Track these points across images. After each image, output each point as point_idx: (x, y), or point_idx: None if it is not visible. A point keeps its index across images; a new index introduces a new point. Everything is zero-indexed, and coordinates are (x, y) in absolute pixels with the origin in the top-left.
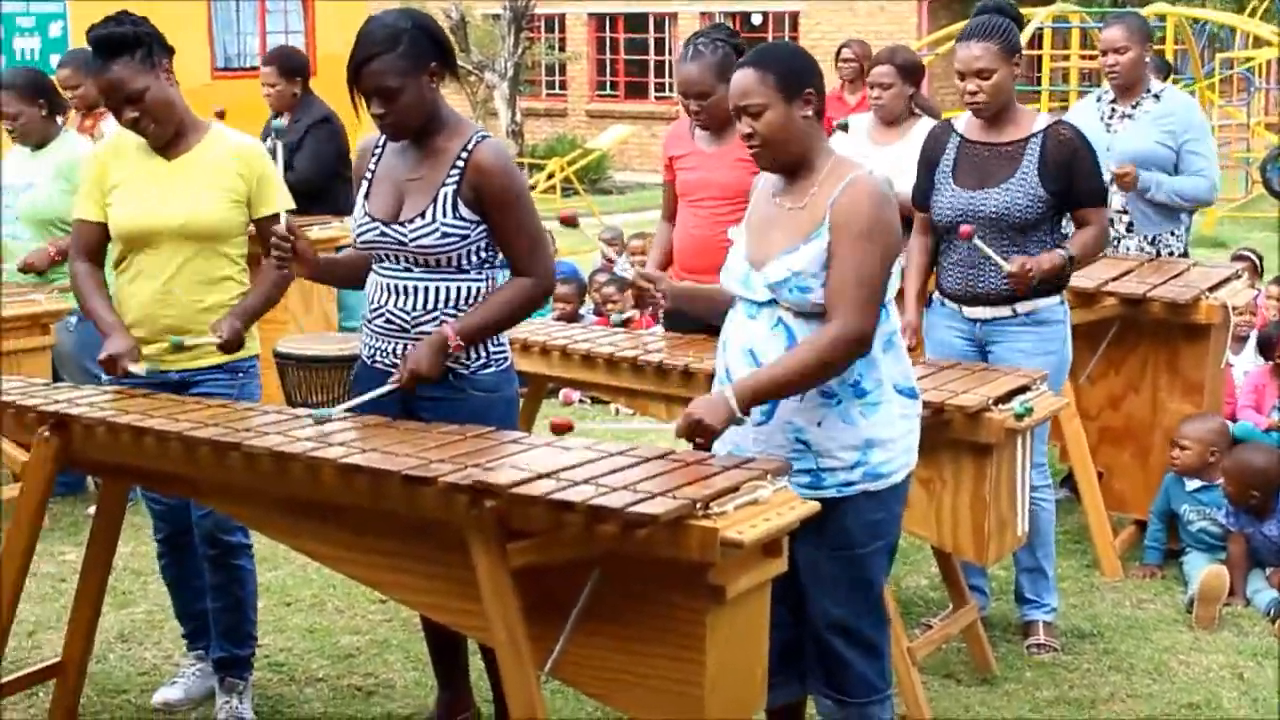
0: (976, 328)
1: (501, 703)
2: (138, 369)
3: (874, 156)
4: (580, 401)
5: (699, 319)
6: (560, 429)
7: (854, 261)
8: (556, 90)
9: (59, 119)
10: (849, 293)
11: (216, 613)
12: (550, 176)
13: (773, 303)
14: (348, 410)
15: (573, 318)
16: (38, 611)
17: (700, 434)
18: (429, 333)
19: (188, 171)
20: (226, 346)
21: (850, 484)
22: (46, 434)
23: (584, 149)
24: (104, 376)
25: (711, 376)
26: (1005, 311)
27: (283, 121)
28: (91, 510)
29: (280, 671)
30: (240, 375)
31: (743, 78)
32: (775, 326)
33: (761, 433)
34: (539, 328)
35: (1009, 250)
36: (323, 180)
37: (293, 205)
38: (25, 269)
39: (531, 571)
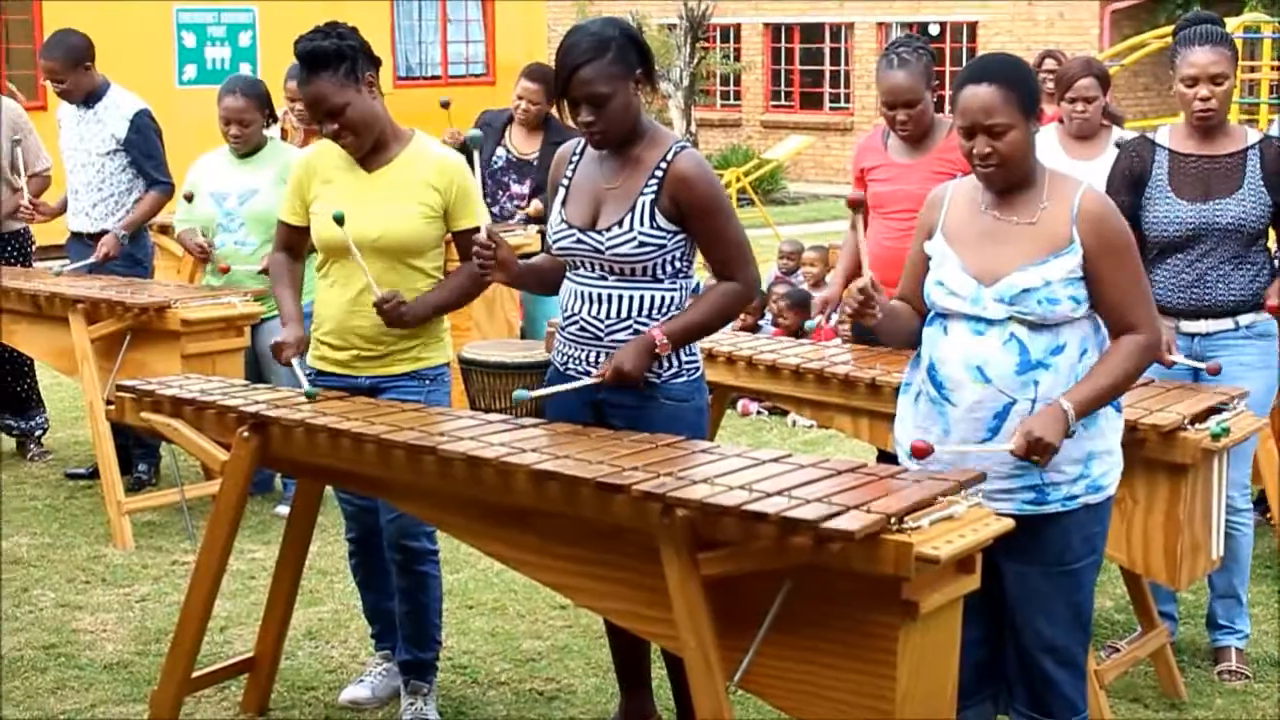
0: (1194, 343)
1: (685, 711)
2: (298, 365)
3: (1076, 171)
4: (758, 413)
5: (886, 339)
6: (922, 453)
7: (1127, 273)
8: (731, 100)
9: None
10: (1142, 302)
11: (402, 617)
12: (725, 187)
13: (1007, 319)
14: (543, 396)
15: (753, 329)
16: (229, 607)
17: (1040, 451)
18: (622, 341)
19: (385, 185)
20: (388, 314)
21: (1073, 497)
22: (246, 434)
23: (759, 160)
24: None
25: (898, 390)
26: (1228, 324)
27: (478, 132)
28: (280, 509)
29: (463, 674)
30: (429, 383)
31: (984, 95)
32: (1008, 342)
33: (984, 448)
34: (724, 337)
35: (1235, 263)
36: None
37: (488, 219)
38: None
39: (722, 581)
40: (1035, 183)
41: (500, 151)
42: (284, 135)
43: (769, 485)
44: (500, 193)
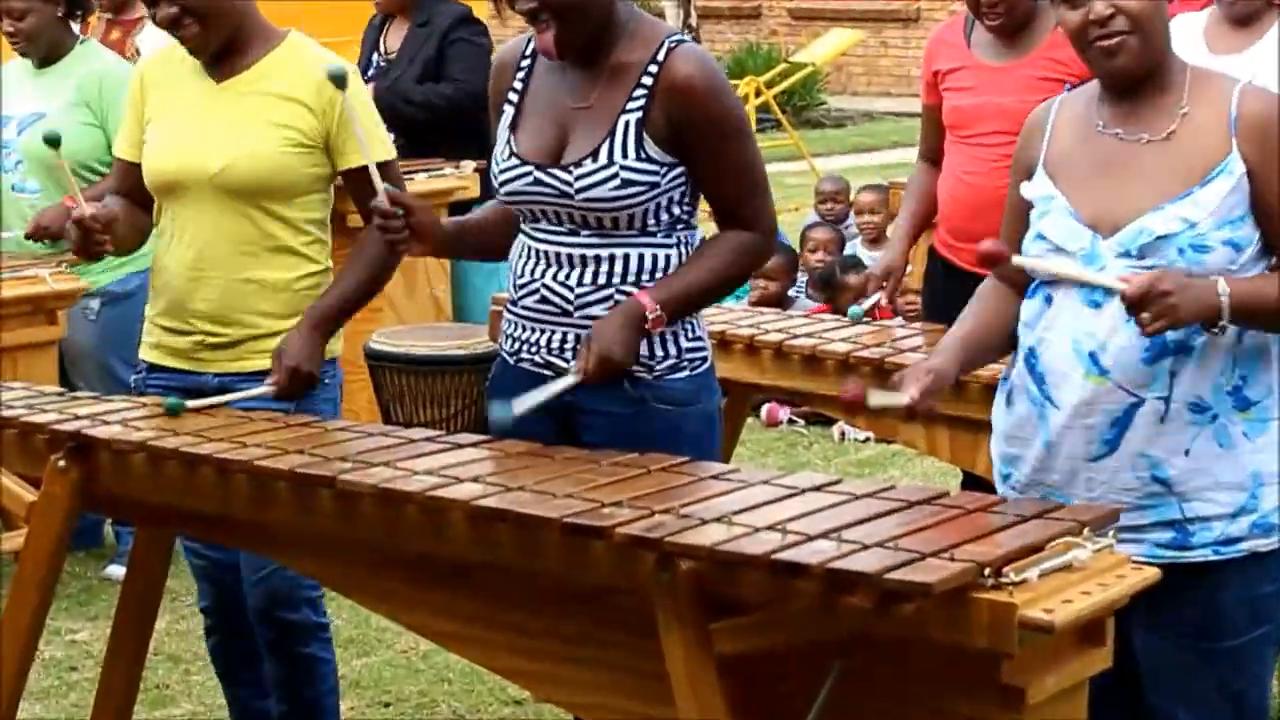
0: None
1: None
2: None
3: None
4: (790, 422)
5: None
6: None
7: None
8: None
9: (75, 25)
10: None
11: (290, 716)
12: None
13: None
14: (530, 410)
15: (779, 300)
16: (40, 712)
17: (1162, 310)
18: (598, 317)
19: (237, 99)
20: (287, 391)
21: (1232, 541)
22: (63, 463)
23: (787, 63)
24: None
25: (993, 387)
26: None
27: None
28: (111, 570)
29: None
30: None
31: None
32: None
33: (1100, 470)
34: (742, 314)
35: None
36: (483, 98)
37: (392, 153)
38: (35, 234)
39: (745, 662)
40: (1171, 82)
41: (375, 58)
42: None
43: (809, 524)
44: None
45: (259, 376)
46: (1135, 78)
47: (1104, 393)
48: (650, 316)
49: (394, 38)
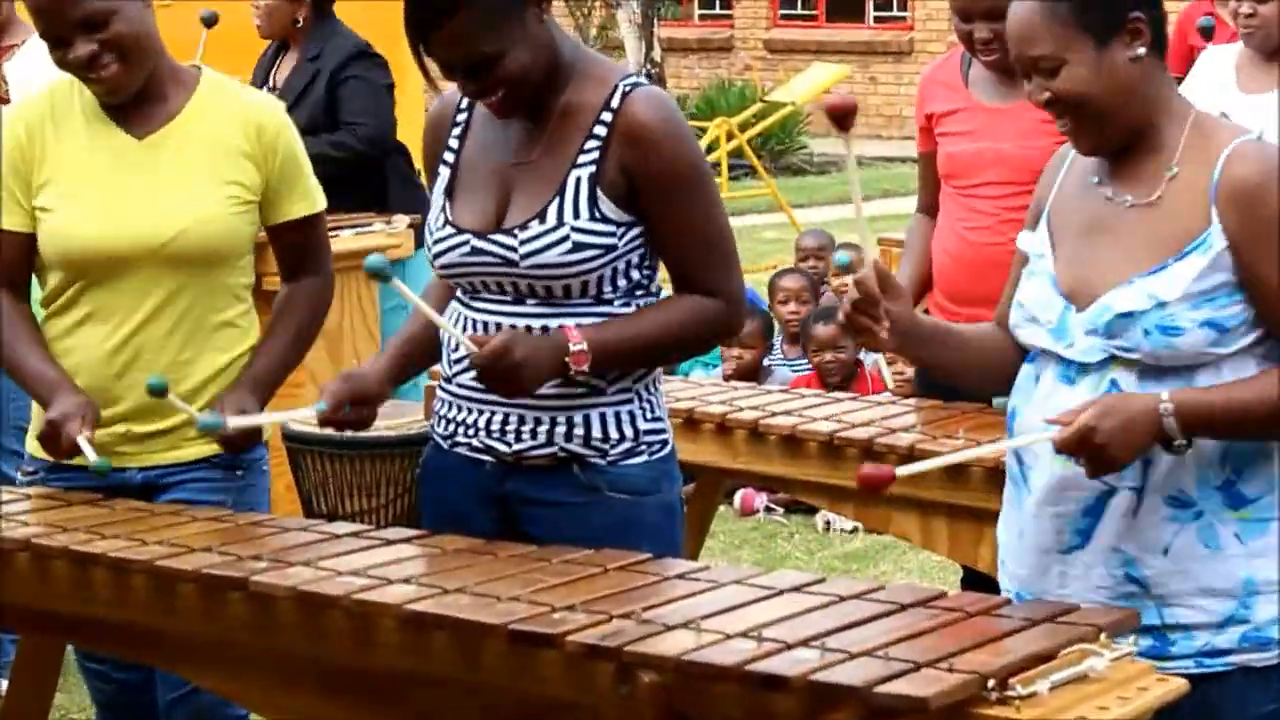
0: None
1: None
2: (90, 453)
3: (1245, 112)
4: (768, 510)
5: (947, 379)
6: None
7: None
8: (717, 9)
9: None
10: None
11: None
12: (711, 148)
13: (1107, 360)
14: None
15: (754, 372)
16: None
17: (1097, 461)
18: (547, 397)
19: (174, 155)
20: (233, 444)
21: (1219, 654)
22: None
23: (764, 102)
24: (23, 469)
25: (997, 473)
26: None
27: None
28: None
29: None
30: (239, 474)
31: (1022, 15)
32: (1108, 394)
33: (1072, 564)
34: (712, 390)
35: None
36: (385, 144)
37: (324, 203)
38: None
39: None
40: (1164, 138)
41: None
42: None
43: (788, 630)
44: None
45: (192, 466)
46: (1104, 151)
47: (1074, 478)
48: (573, 349)
49: (285, 70)
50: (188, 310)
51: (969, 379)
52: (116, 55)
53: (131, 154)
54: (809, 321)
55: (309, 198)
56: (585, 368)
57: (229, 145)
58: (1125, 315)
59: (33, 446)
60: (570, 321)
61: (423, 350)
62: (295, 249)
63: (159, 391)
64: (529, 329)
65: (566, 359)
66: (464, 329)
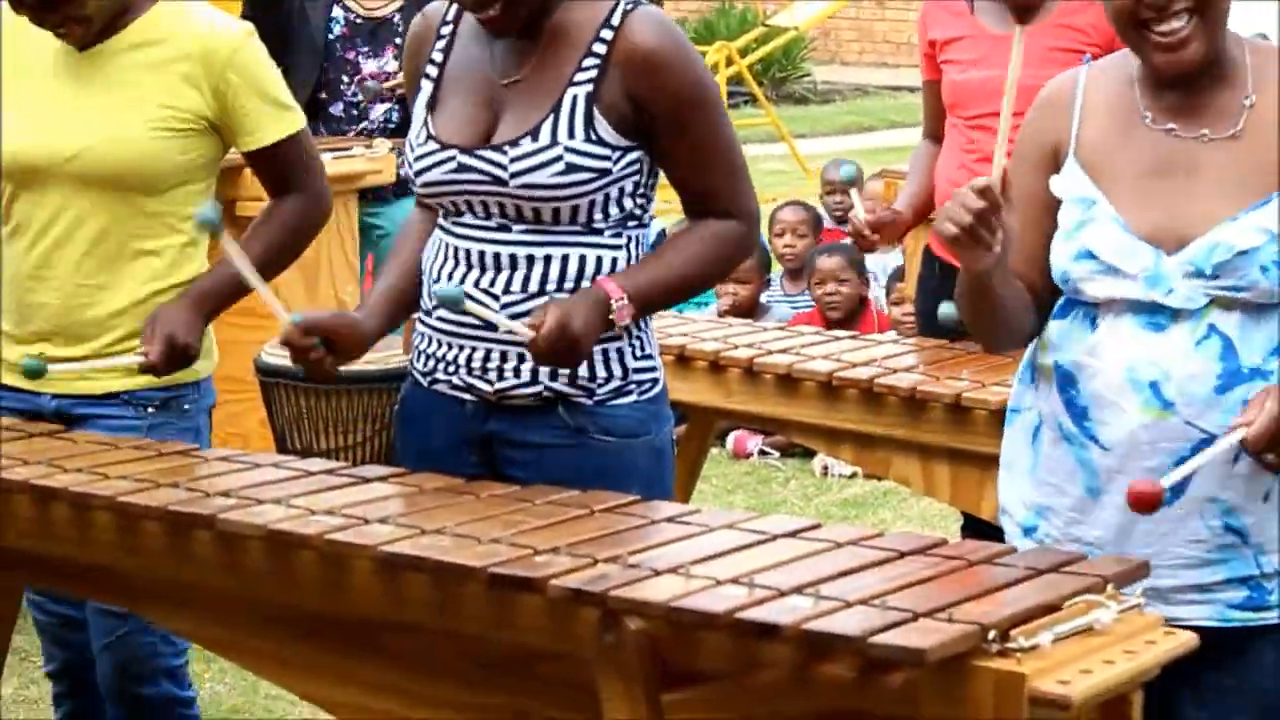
0: None
1: None
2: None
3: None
4: (763, 453)
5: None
6: (1148, 501)
7: None
8: None
9: None
10: None
11: None
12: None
13: (1205, 304)
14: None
15: (750, 309)
16: None
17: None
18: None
19: (104, 69)
20: (155, 368)
21: None
22: None
23: (765, 27)
24: None
25: (1001, 414)
26: None
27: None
28: None
29: None
30: (152, 411)
31: None
32: (1206, 339)
33: (1162, 520)
34: (706, 327)
35: None
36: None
37: (300, 123)
38: None
39: None
40: (1231, 66)
41: (337, 12)
42: None
43: (782, 577)
44: (344, 78)
45: (103, 400)
46: (1199, 72)
47: (1167, 428)
48: (615, 305)
49: None
50: (103, 233)
51: (997, 330)
52: (83, 26)
53: (71, 63)
54: (814, 253)
55: (280, 121)
56: (629, 321)
57: (170, 68)
58: (1242, 254)
59: None
60: (558, 251)
61: (405, 303)
62: (273, 173)
63: (34, 374)
64: (514, 259)
65: (611, 315)
66: (444, 260)
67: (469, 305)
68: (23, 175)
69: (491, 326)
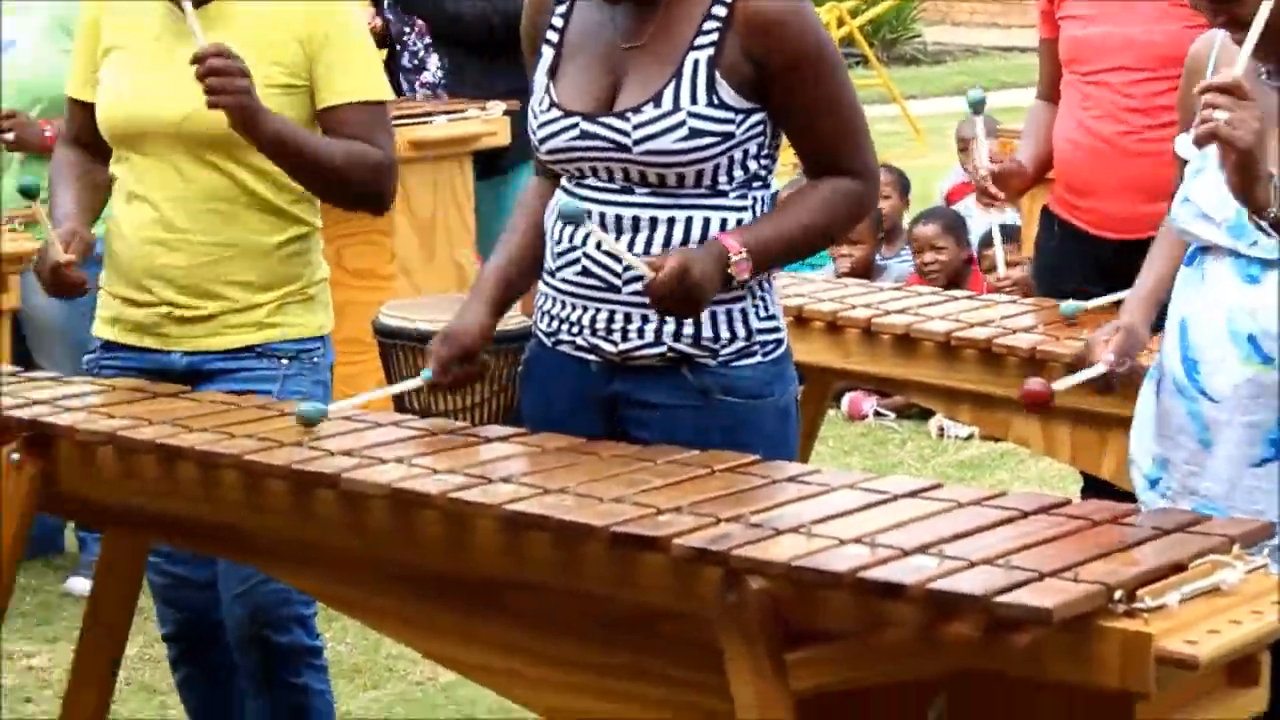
0: None
1: None
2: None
3: None
4: (878, 415)
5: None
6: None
7: None
8: None
9: None
10: None
11: None
12: None
13: None
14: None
15: (866, 270)
16: None
17: None
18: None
19: (215, 30)
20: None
21: None
22: (17, 456)
23: None
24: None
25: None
26: None
27: None
28: (73, 585)
29: None
30: (287, 363)
31: None
32: None
33: (1265, 477)
34: (823, 288)
35: None
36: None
37: (385, 93)
38: (16, 145)
39: (826, 701)
40: None
41: None
42: None
43: (904, 537)
44: (405, 29)
45: (236, 355)
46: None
47: (1268, 383)
48: (734, 260)
49: None
50: (220, 191)
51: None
52: None
53: (176, 26)
54: (912, 221)
55: (363, 85)
56: (747, 276)
57: (276, 25)
58: None
59: (96, 326)
60: (682, 214)
61: (522, 272)
62: (350, 136)
63: (29, 193)
64: (637, 221)
65: (729, 269)
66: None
67: (589, 226)
68: (134, 140)
69: (615, 288)
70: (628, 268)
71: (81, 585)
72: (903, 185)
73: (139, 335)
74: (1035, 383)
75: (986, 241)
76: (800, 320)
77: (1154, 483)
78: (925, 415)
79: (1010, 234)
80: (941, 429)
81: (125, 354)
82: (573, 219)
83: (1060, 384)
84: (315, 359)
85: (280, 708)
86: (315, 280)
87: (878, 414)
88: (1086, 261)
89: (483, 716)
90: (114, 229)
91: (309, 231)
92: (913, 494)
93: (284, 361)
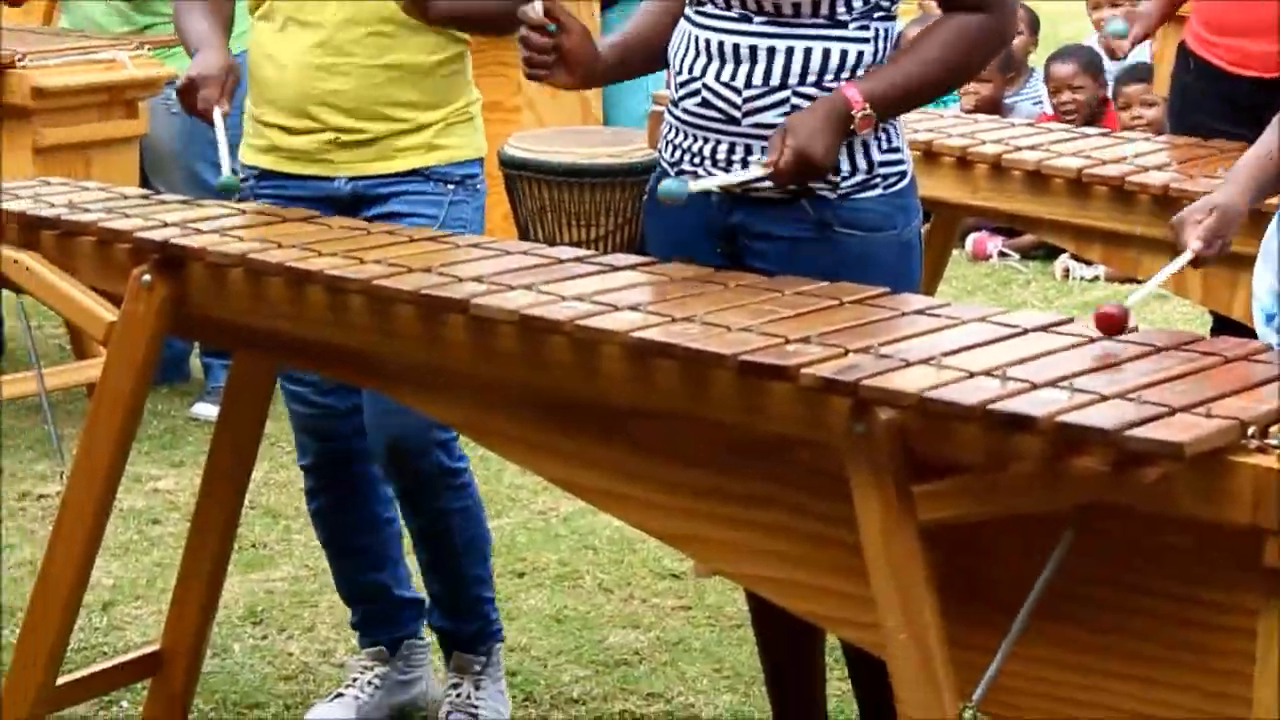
0: None
1: None
2: (220, 129)
3: None
4: (1002, 255)
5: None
6: (1112, 323)
7: None
8: None
9: None
10: None
11: (426, 572)
12: None
13: None
14: (705, 189)
15: (994, 108)
16: (117, 570)
17: None
18: (771, 126)
19: None
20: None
21: None
22: (148, 277)
23: None
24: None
25: (1258, 213)
26: None
27: None
28: (199, 410)
29: (511, 684)
30: (453, 188)
31: None
32: None
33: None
34: (953, 123)
35: None
36: None
37: None
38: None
39: (951, 533)
40: None
41: None
42: None
43: (1034, 370)
44: None
45: (404, 178)
46: None
47: None
48: (857, 115)
49: None
50: (381, 11)
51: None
52: None
53: None
54: (1048, 59)
55: None
56: (870, 129)
57: None
58: None
59: (244, 152)
60: (800, 44)
61: (635, 56)
62: None
63: (229, 190)
64: (754, 50)
65: (852, 126)
66: (687, 50)
67: (694, 185)
68: None
69: (734, 120)
70: (742, 184)
71: (206, 410)
72: (1033, 21)
73: (302, 163)
74: (1110, 306)
75: (1124, 79)
76: (929, 155)
77: (1270, 318)
78: (1050, 256)
79: (1143, 74)
80: (1067, 270)
81: (284, 181)
82: (675, 197)
83: (1134, 298)
84: (478, 184)
85: (431, 523)
86: (473, 99)
87: (1002, 254)
88: (1222, 99)
89: (600, 546)
90: (260, 57)
91: (463, 50)
92: (1043, 328)
93: (449, 187)
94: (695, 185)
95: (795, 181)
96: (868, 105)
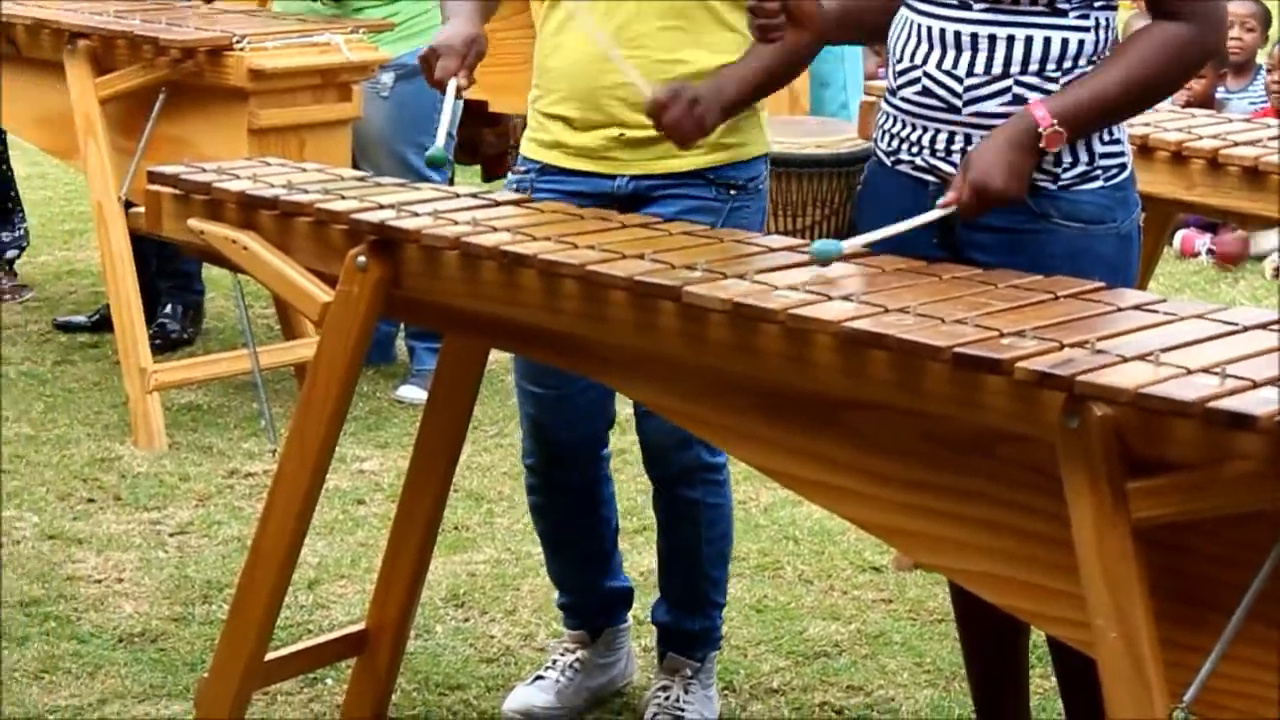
0: None
1: None
2: (447, 109)
3: None
4: (1210, 253)
5: None
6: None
7: None
8: None
9: None
10: None
11: (664, 564)
12: None
13: None
14: (865, 245)
15: (1206, 103)
16: (322, 549)
17: None
18: (992, 115)
19: None
20: (678, 126)
21: None
22: (363, 259)
23: None
24: (514, 169)
25: None
26: None
27: None
28: (404, 393)
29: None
30: (736, 194)
31: None
32: None
33: None
34: (1169, 117)
35: None
36: None
37: None
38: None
39: (1165, 532)
40: None
41: None
42: None
43: (1254, 368)
44: None
45: (685, 179)
46: None
47: None
48: (1045, 133)
49: None
50: (682, 9)
51: None
52: None
53: None
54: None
55: None
56: (1061, 146)
57: None
58: None
59: (526, 146)
60: (1021, 32)
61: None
62: None
63: (437, 162)
64: (975, 38)
65: (1041, 144)
66: (908, 38)
67: (847, 245)
68: None
69: (955, 109)
70: (923, 225)
71: (411, 393)
72: (1263, 17)
73: (586, 160)
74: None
75: None
76: (1144, 149)
77: None
78: (1259, 255)
79: None
80: (1277, 269)
81: (563, 177)
82: (824, 259)
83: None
84: (760, 184)
85: (672, 521)
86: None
87: (1210, 252)
88: None
89: (800, 537)
90: (547, 48)
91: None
92: (1263, 325)
93: (731, 192)
94: (849, 245)
95: (979, 214)
96: (1055, 121)
